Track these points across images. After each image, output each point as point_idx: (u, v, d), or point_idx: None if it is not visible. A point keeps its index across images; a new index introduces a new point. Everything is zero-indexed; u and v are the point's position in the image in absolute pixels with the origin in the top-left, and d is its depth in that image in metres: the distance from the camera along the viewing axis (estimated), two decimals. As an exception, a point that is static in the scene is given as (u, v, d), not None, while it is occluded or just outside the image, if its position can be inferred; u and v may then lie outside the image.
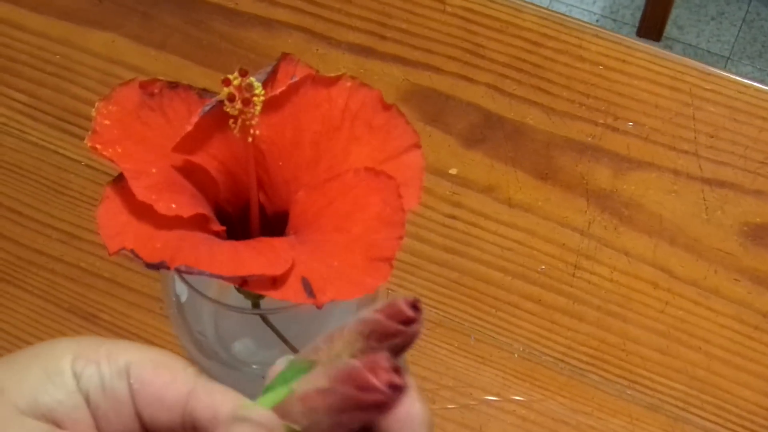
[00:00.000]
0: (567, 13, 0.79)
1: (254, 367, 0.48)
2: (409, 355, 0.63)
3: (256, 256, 0.39)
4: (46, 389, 0.34)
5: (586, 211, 0.69)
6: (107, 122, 0.42)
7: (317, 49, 0.76)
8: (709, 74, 0.75)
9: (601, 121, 0.73)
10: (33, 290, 0.66)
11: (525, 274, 0.67)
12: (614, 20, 2.05)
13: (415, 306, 0.32)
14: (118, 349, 0.35)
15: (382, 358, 0.30)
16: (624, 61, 0.76)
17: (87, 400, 0.34)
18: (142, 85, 0.43)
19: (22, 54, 0.77)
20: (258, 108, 0.40)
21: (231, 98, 0.39)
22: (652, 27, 1.96)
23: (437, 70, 0.76)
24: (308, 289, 0.39)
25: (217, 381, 0.35)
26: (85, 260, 0.67)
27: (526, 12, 0.78)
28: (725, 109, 0.73)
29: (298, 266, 0.40)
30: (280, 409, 0.32)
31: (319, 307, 0.38)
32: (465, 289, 0.66)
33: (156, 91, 0.43)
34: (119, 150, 0.41)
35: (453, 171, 0.71)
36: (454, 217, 0.69)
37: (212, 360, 0.48)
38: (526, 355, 0.64)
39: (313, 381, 0.32)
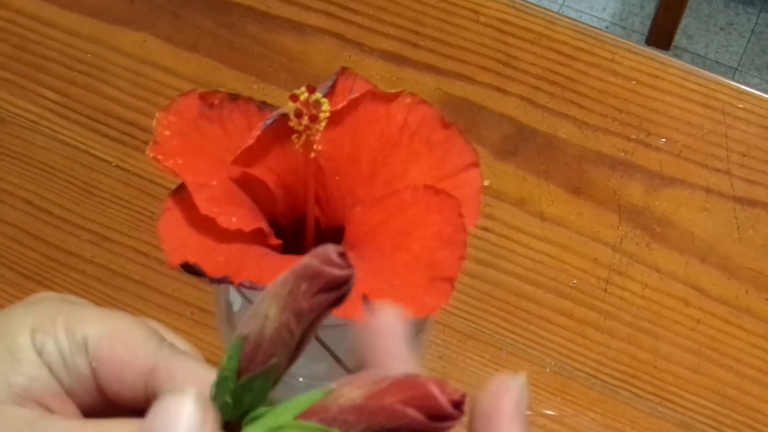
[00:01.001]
0: (577, 19, 0.79)
1: (300, 380, 0.47)
2: (441, 366, 0.63)
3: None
4: (14, 369, 0.32)
5: (618, 227, 0.69)
6: (167, 133, 0.42)
7: (350, 56, 0.76)
8: (741, 92, 0.75)
9: (634, 137, 0.73)
10: (63, 291, 0.66)
11: (557, 288, 0.67)
12: (623, 27, 2.05)
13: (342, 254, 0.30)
14: (76, 319, 0.33)
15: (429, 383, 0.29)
16: (657, 77, 0.76)
17: (51, 373, 0.32)
18: (202, 96, 0.43)
19: (53, 51, 0.77)
20: (323, 125, 0.40)
21: (298, 114, 0.39)
22: (661, 35, 1.96)
23: (470, 80, 0.75)
24: (368, 305, 0.39)
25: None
26: (116, 262, 0.67)
27: (560, 24, 0.78)
28: (758, 128, 0.73)
29: (358, 284, 0.40)
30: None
31: (381, 327, 0.38)
32: (496, 301, 0.66)
33: (216, 102, 0.43)
34: (180, 161, 0.41)
35: (486, 183, 0.71)
36: (486, 230, 0.69)
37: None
38: (558, 369, 0.64)
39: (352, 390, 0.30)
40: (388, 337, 0.32)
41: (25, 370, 0.32)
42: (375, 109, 0.44)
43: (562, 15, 0.79)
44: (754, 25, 2.10)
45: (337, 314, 0.39)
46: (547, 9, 0.79)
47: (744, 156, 0.72)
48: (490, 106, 0.75)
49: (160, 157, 0.41)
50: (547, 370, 0.64)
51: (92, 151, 0.72)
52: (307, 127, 0.40)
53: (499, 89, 0.75)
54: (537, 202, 0.70)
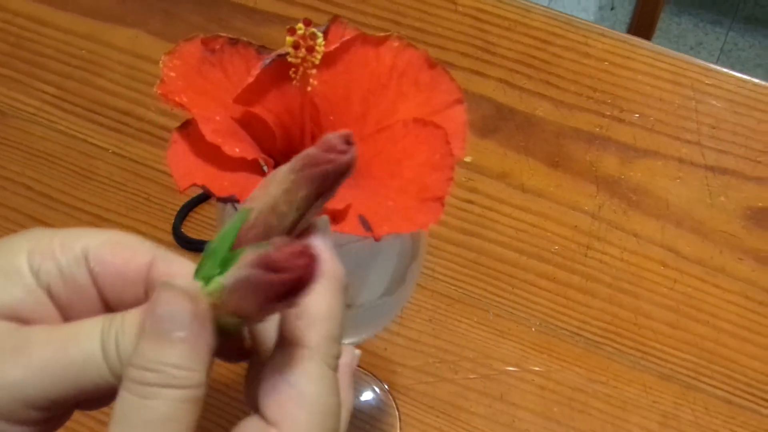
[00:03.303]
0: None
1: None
2: (430, 329, 0.66)
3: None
4: (5, 289, 0.33)
5: (596, 196, 0.72)
6: (172, 74, 0.45)
7: (335, 46, 0.79)
8: (709, 70, 0.78)
9: (608, 113, 0.76)
10: (65, 268, 0.68)
11: (539, 254, 0.70)
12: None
13: (347, 140, 0.33)
14: (72, 237, 0.35)
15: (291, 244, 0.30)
16: (628, 57, 0.79)
17: (49, 293, 0.34)
18: (204, 42, 0.45)
19: (49, 49, 0.80)
20: (319, 57, 0.43)
21: (296, 45, 0.42)
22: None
23: (450, 65, 0.79)
24: (366, 224, 0.42)
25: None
26: (115, 240, 0.69)
27: (534, 12, 0.82)
28: (726, 102, 0.77)
29: (355, 206, 0.42)
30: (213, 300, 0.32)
31: (377, 240, 0.41)
32: (482, 267, 0.69)
33: (217, 47, 0.46)
34: (185, 99, 0.44)
35: (468, 159, 0.74)
36: (470, 202, 0.72)
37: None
38: (543, 328, 0.66)
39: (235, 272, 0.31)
40: None
41: (13, 291, 0.33)
42: (365, 52, 0.47)
43: (535, 3, 0.82)
44: (722, 44, 2.15)
45: (336, 230, 0.42)
46: (521, 0, 0.83)
47: (713, 128, 0.76)
48: (470, 89, 0.78)
49: (167, 93, 0.43)
50: (533, 329, 0.66)
51: (89, 139, 0.75)
52: (304, 60, 0.43)
53: (478, 73, 0.79)
54: (518, 176, 0.73)
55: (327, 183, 0.33)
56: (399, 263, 0.48)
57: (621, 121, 0.76)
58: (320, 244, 0.34)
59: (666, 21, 2.13)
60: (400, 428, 0.62)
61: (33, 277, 0.34)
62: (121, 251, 0.35)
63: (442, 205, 0.43)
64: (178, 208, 0.70)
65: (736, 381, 0.65)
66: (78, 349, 0.33)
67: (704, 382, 0.64)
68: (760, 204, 0.72)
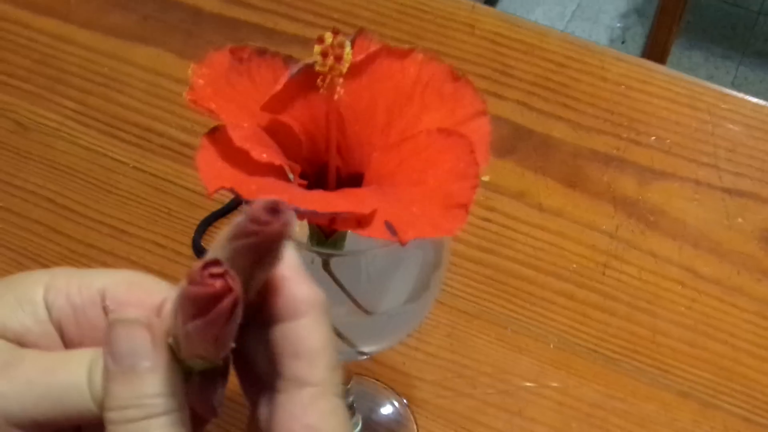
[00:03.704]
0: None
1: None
2: (449, 344, 0.66)
3: (344, 198, 0.43)
4: (16, 316, 0.34)
5: (613, 217, 0.73)
6: (201, 82, 0.45)
7: (354, 66, 0.80)
8: (725, 95, 0.79)
9: (625, 136, 0.77)
10: (85, 281, 0.69)
11: (557, 272, 0.70)
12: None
13: (273, 209, 0.32)
14: (90, 278, 0.36)
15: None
16: (645, 81, 0.80)
17: (59, 328, 0.35)
18: (232, 51, 0.46)
19: (72, 66, 0.81)
20: (346, 66, 0.43)
21: (324, 54, 0.43)
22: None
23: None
24: (392, 229, 0.42)
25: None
26: (135, 254, 0.70)
27: (551, 37, 0.83)
28: (742, 127, 0.77)
29: (381, 212, 0.43)
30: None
31: (402, 244, 0.41)
32: (500, 284, 0.69)
33: (245, 56, 0.46)
34: (213, 105, 0.44)
35: (486, 178, 0.75)
36: (488, 220, 0.72)
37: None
38: (561, 345, 0.67)
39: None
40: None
41: (23, 318, 0.34)
42: (390, 64, 0.47)
43: (552, 28, 0.83)
44: (733, 77, 2.16)
45: (362, 234, 0.42)
46: (537, 23, 0.84)
47: (730, 151, 0.76)
48: (488, 111, 0.78)
49: (196, 99, 0.44)
50: (551, 346, 0.67)
51: (110, 154, 0.75)
52: (331, 68, 0.43)
53: (496, 95, 0.79)
54: (535, 195, 0.74)
55: (261, 252, 0.32)
56: (422, 271, 0.49)
57: (638, 143, 0.77)
58: (292, 273, 0.34)
59: (677, 55, 2.14)
60: (418, 443, 0.62)
61: (46, 310, 0.35)
62: (137, 291, 0.35)
63: (467, 212, 0.43)
64: (197, 223, 0.71)
65: (754, 399, 0.65)
66: (65, 373, 0.33)
67: (723, 400, 0.65)
68: (777, 225, 0.73)
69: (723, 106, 0.78)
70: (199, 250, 0.70)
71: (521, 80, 0.80)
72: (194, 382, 0.34)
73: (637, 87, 0.80)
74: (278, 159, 0.44)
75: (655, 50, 2.00)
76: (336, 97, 0.45)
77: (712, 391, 0.65)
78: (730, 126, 0.77)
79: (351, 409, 0.61)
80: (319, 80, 0.44)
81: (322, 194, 0.44)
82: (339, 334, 0.49)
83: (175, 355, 0.33)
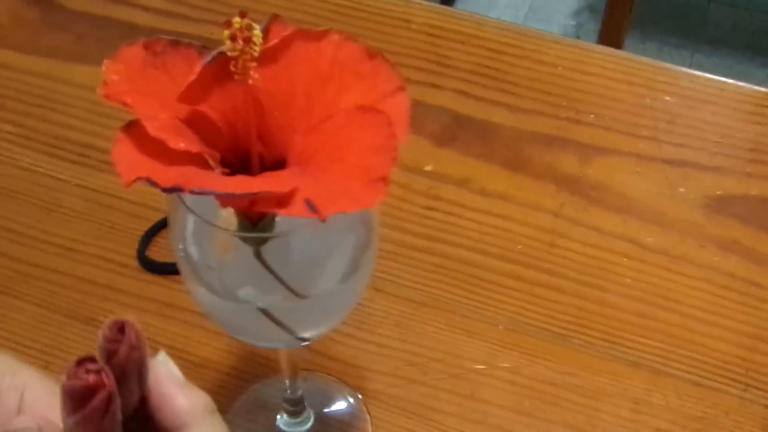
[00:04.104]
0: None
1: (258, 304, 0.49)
2: (398, 333, 0.66)
3: (263, 180, 0.43)
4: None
5: (556, 196, 0.73)
6: (115, 77, 0.45)
7: (291, 68, 0.80)
8: (660, 68, 0.80)
9: (564, 116, 0.78)
10: (33, 300, 0.68)
11: (504, 254, 0.70)
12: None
13: (120, 329, 0.37)
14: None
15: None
16: (581, 62, 0.81)
17: None
18: (146, 45, 0.46)
19: (9, 90, 0.81)
20: (257, 49, 0.44)
21: (233, 38, 0.43)
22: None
23: (406, 80, 0.79)
24: (312, 206, 0.42)
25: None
26: (82, 269, 0.70)
27: (487, 25, 0.83)
28: (679, 98, 0.78)
29: (301, 191, 0.43)
30: None
31: (323, 221, 0.41)
32: (448, 271, 0.69)
33: (159, 49, 0.46)
34: (128, 100, 0.44)
35: (428, 168, 0.75)
36: (432, 209, 0.73)
37: (216, 297, 0.50)
38: (511, 326, 0.67)
39: None
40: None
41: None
42: (306, 47, 0.48)
43: (488, 17, 0.84)
44: (688, 66, 2.18)
45: (282, 213, 0.42)
46: (474, 13, 0.84)
47: (669, 123, 0.77)
48: (427, 101, 0.79)
49: (110, 94, 0.44)
50: (501, 327, 0.67)
51: (51, 173, 0.75)
52: (242, 52, 0.43)
53: (434, 85, 0.80)
54: (478, 181, 0.74)
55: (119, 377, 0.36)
56: (353, 252, 0.49)
57: (577, 122, 0.77)
58: (171, 388, 0.39)
59: (631, 47, 2.16)
60: (373, 432, 0.62)
61: None
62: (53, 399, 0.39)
63: (387, 184, 0.43)
64: (141, 234, 0.71)
65: (705, 364, 0.65)
66: None
67: (674, 368, 0.65)
68: (719, 192, 0.73)
69: (659, 79, 0.79)
70: (144, 261, 0.70)
71: (459, 69, 0.81)
72: None
73: (573, 68, 0.80)
74: (196, 147, 0.44)
75: (609, 44, 2.01)
76: (250, 81, 0.45)
77: (663, 359, 0.65)
78: (668, 98, 0.78)
79: (300, 403, 0.61)
80: (232, 65, 0.44)
81: (242, 178, 0.44)
82: (277, 322, 0.49)
83: None
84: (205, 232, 0.49)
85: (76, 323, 0.67)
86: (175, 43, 0.47)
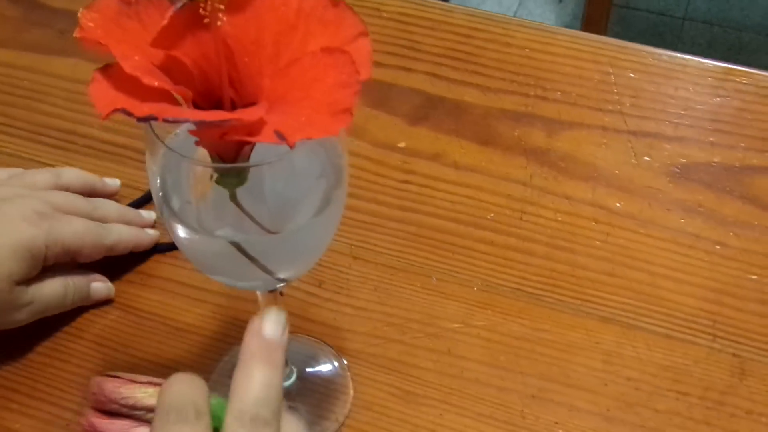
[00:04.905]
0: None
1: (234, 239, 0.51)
2: (376, 297, 0.68)
3: (235, 112, 0.45)
4: None
5: (526, 167, 0.75)
6: (91, 24, 0.47)
7: (267, 56, 0.83)
8: (624, 47, 0.83)
9: (532, 93, 0.80)
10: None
11: (476, 222, 0.72)
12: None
13: None
14: None
15: None
16: (548, 43, 0.83)
17: None
18: (120, -5, 0.49)
19: (-7, 83, 0.83)
20: (224, -11, 0.46)
21: (201, -21, 0.45)
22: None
23: (379, 64, 0.82)
24: (280, 135, 0.44)
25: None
26: (66, 247, 0.72)
27: (456, 12, 0.86)
28: (643, 75, 0.81)
29: (270, 123, 0.45)
30: None
31: (291, 147, 0.43)
32: (423, 239, 0.71)
33: (132, 0, 0.49)
34: (104, 42, 0.47)
35: (402, 144, 0.77)
36: (407, 182, 0.75)
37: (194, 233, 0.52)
38: (485, 288, 0.69)
39: None
40: None
41: None
42: (272, -2, 0.50)
43: (457, 5, 0.87)
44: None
45: (252, 141, 0.45)
46: (443, 1, 0.87)
47: (633, 98, 0.79)
48: (399, 83, 0.81)
49: (86, 37, 0.46)
50: (475, 289, 0.69)
51: (36, 158, 0.77)
52: (210, -9, 0.46)
53: (405, 69, 0.82)
54: (450, 155, 0.76)
55: None
56: (323, 186, 0.51)
57: (545, 99, 0.80)
58: None
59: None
60: (353, 388, 0.64)
61: None
62: None
63: (351, 115, 0.46)
64: (124, 212, 0.73)
65: (674, 318, 0.67)
66: None
67: (644, 322, 0.67)
68: (683, 160, 0.75)
69: (623, 57, 0.82)
70: None
71: (429, 53, 0.83)
72: None
73: (540, 49, 0.83)
74: (169, 85, 0.46)
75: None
76: (219, 23, 0.47)
77: (633, 314, 0.67)
78: (632, 75, 0.81)
79: (282, 360, 0.62)
80: (200, 8, 0.47)
81: (214, 111, 0.46)
82: (255, 261, 0.50)
83: None
84: (182, 174, 0.51)
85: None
86: (147, -7, 0.49)
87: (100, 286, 0.68)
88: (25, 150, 0.78)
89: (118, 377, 0.47)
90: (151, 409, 0.46)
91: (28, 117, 0.80)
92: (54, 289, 0.64)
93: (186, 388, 0.44)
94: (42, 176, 0.68)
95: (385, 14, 0.86)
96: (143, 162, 0.76)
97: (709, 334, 0.66)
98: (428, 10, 0.86)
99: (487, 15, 0.85)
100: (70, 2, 0.89)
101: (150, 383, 0.47)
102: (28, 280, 0.62)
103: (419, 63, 0.83)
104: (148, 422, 0.46)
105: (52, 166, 0.77)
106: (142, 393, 0.46)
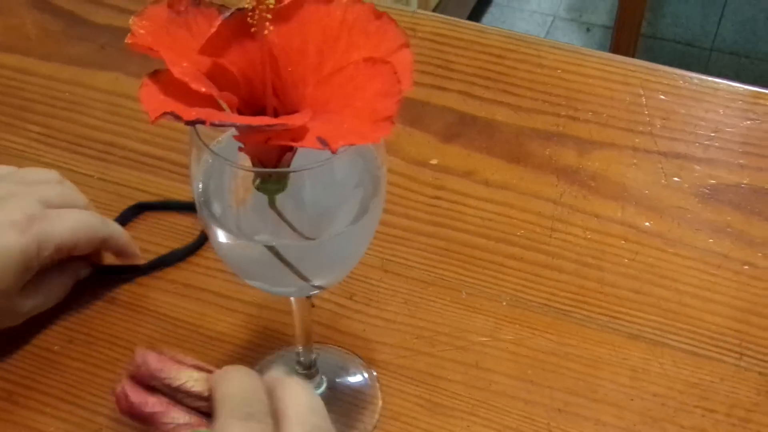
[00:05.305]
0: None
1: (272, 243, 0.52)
2: (406, 310, 0.69)
3: (279, 117, 0.46)
4: None
5: (556, 185, 0.76)
6: (142, 31, 0.49)
7: (303, 73, 0.84)
8: (655, 70, 0.84)
9: (563, 113, 0.81)
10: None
11: (506, 238, 0.73)
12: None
13: None
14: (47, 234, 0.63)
15: None
16: (579, 65, 0.85)
17: None
18: (170, 4, 0.50)
19: (35, 95, 0.85)
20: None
21: (250, -11, 0.47)
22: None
23: (413, 83, 0.84)
24: (323, 141, 0.46)
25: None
26: (103, 253, 0.73)
27: (489, 33, 0.87)
28: (674, 97, 0.82)
29: (313, 129, 0.47)
30: None
31: (333, 152, 0.45)
32: (453, 254, 0.73)
33: (182, 8, 0.50)
34: (155, 47, 0.48)
35: (434, 161, 0.79)
36: (438, 198, 0.76)
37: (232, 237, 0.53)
38: (514, 303, 0.70)
39: None
40: None
41: None
42: (316, 9, 0.51)
43: (490, 26, 0.88)
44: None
45: (296, 146, 0.46)
46: (476, 23, 0.89)
47: (664, 119, 0.80)
48: (432, 102, 0.83)
49: (137, 42, 0.48)
50: (504, 303, 0.70)
51: (75, 168, 0.79)
52: (259, 2, 0.47)
53: (439, 87, 0.84)
54: (482, 173, 0.78)
55: None
56: (360, 195, 0.52)
57: (576, 119, 0.81)
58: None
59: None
60: (382, 398, 0.65)
61: None
62: (80, 233, 0.66)
63: (392, 123, 0.47)
64: (162, 224, 0.74)
65: (700, 336, 0.68)
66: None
67: (671, 339, 0.67)
68: (712, 181, 0.76)
69: (654, 79, 0.83)
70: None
71: (462, 73, 0.85)
72: None
73: (572, 70, 0.84)
74: (215, 91, 0.48)
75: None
76: (266, 32, 0.49)
77: (660, 331, 0.68)
78: (662, 97, 0.82)
79: (313, 367, 0.64)
80: (248, 16, 0.48)
81: (260, 116, 0.47)
82: (291, 267, 0.52)
83: None
84: (224, 179, 0.52)
85: (98, 301, 0.70)
86: (196, 3, 0.51)
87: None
88: (65, 160, 0.79)
89: (164, 354, 0.48)
90: (193, 395, 0.46)
91: (68, 128, 0.82)
92: (54, 282, 0.66)
93: (248, 380, 0.44)
94: (38, 173, 0.70)
95: (419, 34, 0.88)
96: (179, 174, 0.78)
97: (736, 352, 0.67)
98: (462, 31, 0.87)
99: (519, 36, 0.87)
100: (112, 18, 0.91)
101: (197, 367, 0.47)
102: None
103: (452, 82, 0.84)
104: (185, 405, 0.47)
105: (91, 176, 0.78)
106: (188, 377, 0.46)
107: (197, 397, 0.46)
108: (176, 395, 0.46)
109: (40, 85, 0.86)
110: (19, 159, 0.80)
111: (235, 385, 0.44)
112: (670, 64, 0.85)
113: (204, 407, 0.47)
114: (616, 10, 2.14)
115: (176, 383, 0.46)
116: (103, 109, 0.83)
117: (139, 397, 0.46)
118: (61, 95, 0.85)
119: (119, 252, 0.70)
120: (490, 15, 2.48)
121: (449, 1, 2.15)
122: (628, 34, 2.12)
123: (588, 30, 2.44)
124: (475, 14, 2.40)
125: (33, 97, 0.85)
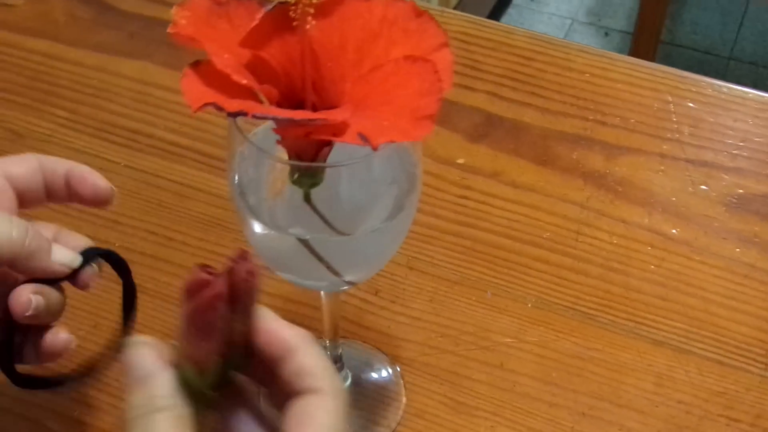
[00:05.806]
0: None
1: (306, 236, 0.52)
2: (431, 308, 0.69)
3: (320, 112, 0.46)
4: None
5: (583, 189, 0.76)
6: (183, 21, 0.49)
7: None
8: (684, 77, 0.84)
9: (591, 118, 0.81)
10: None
11: (532, 240, 0.73)
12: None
13: (243, 257, 0.40)
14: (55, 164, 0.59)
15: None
16: (607, 69, 0.84)
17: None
18: (212, -5, 0.50)
19: (63, 80, 0.85)
20: (316, -8, 0.47)
21: (293, -18, 0.47)
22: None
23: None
24: (364, 137, 0.45)
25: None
26: (129, 242, 0.73)
27: (517, 34, 0.87)
28: (703, 105, 0.82)
29: (354, 125, 0.47)
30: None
31: (374, 149, 0.45)
32: (479, 254, 0.72)
33: (224, 0, 0.50)
34: (197, 37, 0.48)
35: (461, 161, 0.78)
36: (465, 198, 0.76)
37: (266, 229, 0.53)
38: (539, 305, 0.70)
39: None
40: None
41: None
42: (357, 6, 0.51)
43: (518, 28, 0.88)
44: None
45: (337, 141, 0.46)
46: (503, 24, 0.88)
47: (692, 127, 0.80)
48: (460, 101, 0.83)
49: (179, 32, 0.48)
50: (529, 305, 0.69)
51: (102, 155, 0.79)
52: (302, -6, 0.47)
53: (467, 87, 0.84)
54: (509, 174, 0.77)
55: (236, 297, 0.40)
56: (394, 192, 0.52)
57: (603, 123, 0.81)
58: (276, 323, 0.44)
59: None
60: (406, 395, 0.65)
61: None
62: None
63: (433, 122, 0.47)
64: (187, 212, 0.74)
65: (726, 345, 0.67)
66: None
67: (696, 347, 0.67)
68: (740, 191, 0.76)
69: (683, 87, 0.83)
70: (13, 376, 0.53)
71: (490, 73, 0.85)
72: None
73: (600, 74, 0.84)
74: (255, 84, 0.48)
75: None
76: (308, 27, 0.48)
77: (685, 339, 0.68)
78: (691, 104, 0.82)
79: (339, 362, 0.64)
80: (290, 11, 0.48)
81: (301, 111, 0.47)
82: (323, 261, 0.52)
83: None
84: (260, 171, 0.52)
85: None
86: (239, -5, 0.51)
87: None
88: (92, 146, 0.80)
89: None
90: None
91: (95, 114, 0.82)
92: None
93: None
94: None
95: (448, 33, 0.87)
96: (204, 163, 0.78)
97: (762, 362, 0.66)
98: (490, 32, 0.87)
99: (547, 39, 0.87)
100: (141, 6, 0.91)
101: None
102: None
103: (480, 82, 0.84)
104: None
105: (117, 163, 0.78)
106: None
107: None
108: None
109: (68, 71, 0.86)
110: (46, 144, 0.80)
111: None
112: (688, 72, 0.84)
113: None
114: (636, 16, 2.13)
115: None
116: (130, 96, 0.83)
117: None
118: (89, 81, 0.85)
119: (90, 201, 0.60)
120: (509, 16, 2.47)
121: (468, 1, 2.14)
122: (648, 40, 2.12)
123: (606, 34, 2.44)
124: (494, 15, 2.40)
125: (61, 83, 0.85)
